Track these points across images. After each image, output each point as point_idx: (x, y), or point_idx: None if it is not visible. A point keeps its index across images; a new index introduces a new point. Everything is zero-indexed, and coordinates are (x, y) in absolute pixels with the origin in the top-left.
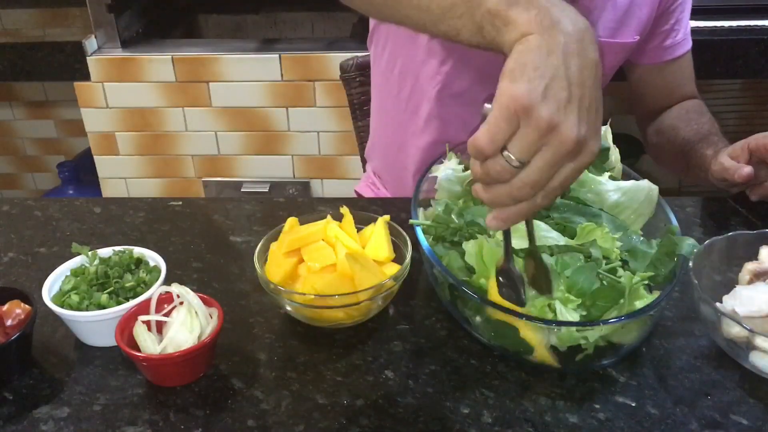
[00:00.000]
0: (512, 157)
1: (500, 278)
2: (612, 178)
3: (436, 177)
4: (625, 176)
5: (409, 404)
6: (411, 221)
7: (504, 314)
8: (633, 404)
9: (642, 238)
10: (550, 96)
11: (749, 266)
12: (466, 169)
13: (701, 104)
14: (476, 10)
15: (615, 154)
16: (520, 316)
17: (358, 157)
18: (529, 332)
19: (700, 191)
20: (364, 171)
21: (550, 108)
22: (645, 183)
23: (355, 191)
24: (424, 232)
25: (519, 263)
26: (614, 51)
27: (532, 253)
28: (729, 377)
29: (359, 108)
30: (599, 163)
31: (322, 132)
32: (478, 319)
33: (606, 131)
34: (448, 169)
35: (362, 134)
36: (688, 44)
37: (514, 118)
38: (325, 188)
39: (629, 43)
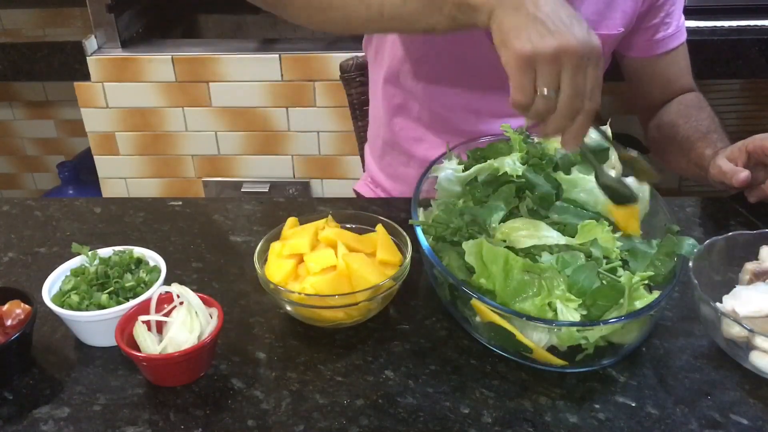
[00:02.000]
0: (546, 91)
1: (607, 187)
2: None
3: (436, 177)
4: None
5: (409, 404)
6: (411, 221)
7: (500, 319)
8: (633, 404)
9: (642, 238)
10: (535, 35)
11: (749, 266)
12: (466, 169)
13: (700, 98)
14: (443, 7)
15: (615, 154)
16: (520, 315)
17: (358, 157)
18: (525, 335)
19: (700, 191)
20: (364, 171)
21: (544, 40)
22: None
23: (354, 190)
24: (424, 232)
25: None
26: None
27: (616, 148)
28: (729, 377)
29: (359, 108)
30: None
31: (322, 132)
32: (477, 319)
33: (606, 131)
34: (448, 169)
35: (362, 134)
36: (682, 37)
37: (526, 68)
38: (325, 188)
39: (613, 35)
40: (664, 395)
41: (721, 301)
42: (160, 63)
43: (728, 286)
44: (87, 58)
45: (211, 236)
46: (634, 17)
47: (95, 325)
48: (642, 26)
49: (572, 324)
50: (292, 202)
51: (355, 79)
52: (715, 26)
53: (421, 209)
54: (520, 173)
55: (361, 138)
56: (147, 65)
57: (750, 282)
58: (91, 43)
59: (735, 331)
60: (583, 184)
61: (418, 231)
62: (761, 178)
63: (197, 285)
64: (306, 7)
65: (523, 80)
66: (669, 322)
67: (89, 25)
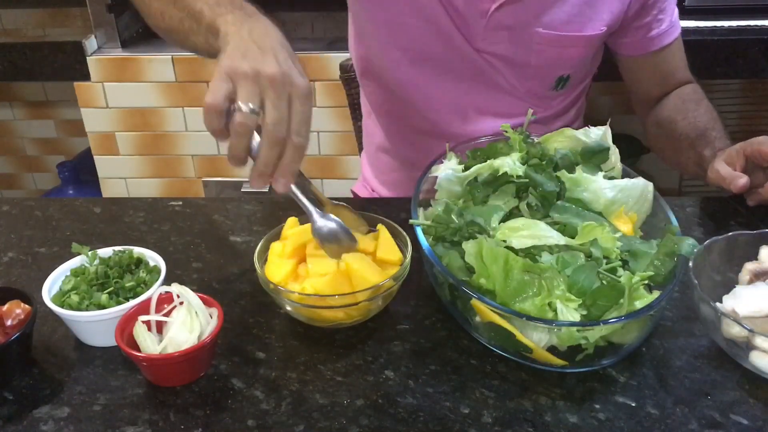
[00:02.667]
0: (243, 105)
1: (319, 235)
2: (612, 178)
3: (436, 177)
4: (625, 176)
5: (409, 404)
6: (411, 221)
7: (500, 319)
8: (633, 404)
9: (642, 238)
10: (247, 56)
11: (749, 266)
12: (466, 168)
13: (697, 90)
14: (200, 30)
15: (615, 154)
16: (520, 315)
17: (358, 157)
18: (525, 335)
19: (700, 191)
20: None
21: (249, 61)
22: (640, 180)
23: (352, 191)
24: (424, 232)
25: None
26: (578, 43)
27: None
28: (729, 377)
29: (359, 108)
30: (596, 162)
31: (322, 132)
32: (477, 319)
33: (606, 131)
34: (448, 169)
35: (362, 134)
36: (676, 32)
37: (226, 77)
38: (325, 188)
39: (594, 35)
40: (664, 395)
41: (721, 301)
42: (160, 63)
43: (728, 286)
44: (87, 58)
45: (211, 236)
46: (620, 16)
47: (95, 325)
48: (635, 24)
49: (572, 324)
50: (293, 202)
51: (355, 79)
52: (715, 26)
53: (421, 209)
54: (520, 173)
55: (361, 138)
56: (147, 65)
57: (750, 282)
58: (91, 43)
59: (735, 331)
60: (587, 183)
61: (418, 231)
62: (760, 181)
63: (197, 285)
64: (143, 11)
65: (215, 85)
66: (669, 322)
67: (89, 25)
